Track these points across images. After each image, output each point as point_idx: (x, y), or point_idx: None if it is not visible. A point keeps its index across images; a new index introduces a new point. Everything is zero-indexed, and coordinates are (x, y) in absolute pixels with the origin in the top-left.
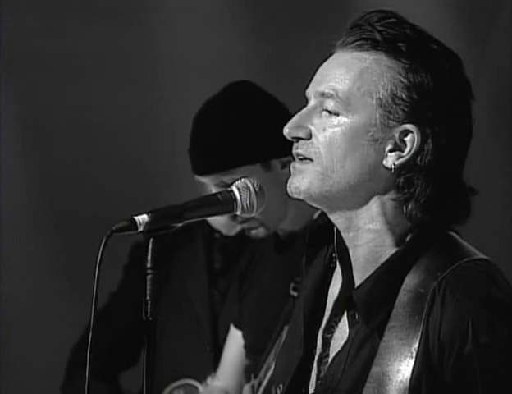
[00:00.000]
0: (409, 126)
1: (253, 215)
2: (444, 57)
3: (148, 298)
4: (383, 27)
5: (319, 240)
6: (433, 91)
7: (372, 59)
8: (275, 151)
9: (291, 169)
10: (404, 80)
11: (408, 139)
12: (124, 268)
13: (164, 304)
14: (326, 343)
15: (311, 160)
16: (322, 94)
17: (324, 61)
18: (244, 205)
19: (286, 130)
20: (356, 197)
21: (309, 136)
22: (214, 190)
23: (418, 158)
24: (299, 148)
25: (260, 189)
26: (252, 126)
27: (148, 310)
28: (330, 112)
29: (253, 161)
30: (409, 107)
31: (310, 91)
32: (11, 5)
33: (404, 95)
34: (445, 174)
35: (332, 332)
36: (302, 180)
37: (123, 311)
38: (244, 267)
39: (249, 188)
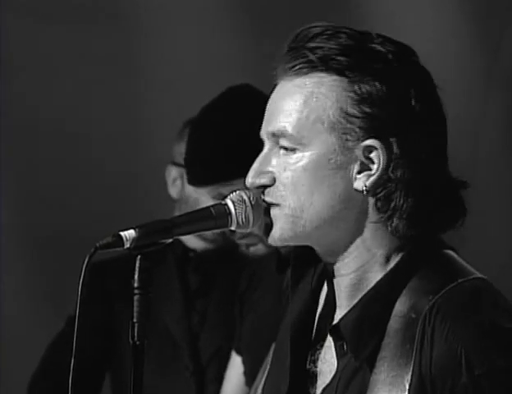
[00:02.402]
0: (369, 142)
1: (248, 231)
2: (390, 56)
3: (135, 320)
4: (316, 44)
5: (304, 262)
6: (386, 97)
7: (314, 82)
8: None
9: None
10: (352, 95)
11: (373, 155)
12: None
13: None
14: (312, 375)
15: (278, 205)
16: (274, 135)
17: (270, 95)
18: (240, 220)
19: (249, 181)
20: (334, 229)
21: (273, 181)
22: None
23: (390, 172)
24: (266, 197)
25: (256, 202)
26: (254, 134)
27: (136, 333)
28: (286, 149)
29: None
30: (365, 122)
31: (263, 132)
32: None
33: (355, 111)
34: (427, 177)
35: (316, 363)
36: (274, 228)
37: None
38: (244, 288)
39: (244, 201)
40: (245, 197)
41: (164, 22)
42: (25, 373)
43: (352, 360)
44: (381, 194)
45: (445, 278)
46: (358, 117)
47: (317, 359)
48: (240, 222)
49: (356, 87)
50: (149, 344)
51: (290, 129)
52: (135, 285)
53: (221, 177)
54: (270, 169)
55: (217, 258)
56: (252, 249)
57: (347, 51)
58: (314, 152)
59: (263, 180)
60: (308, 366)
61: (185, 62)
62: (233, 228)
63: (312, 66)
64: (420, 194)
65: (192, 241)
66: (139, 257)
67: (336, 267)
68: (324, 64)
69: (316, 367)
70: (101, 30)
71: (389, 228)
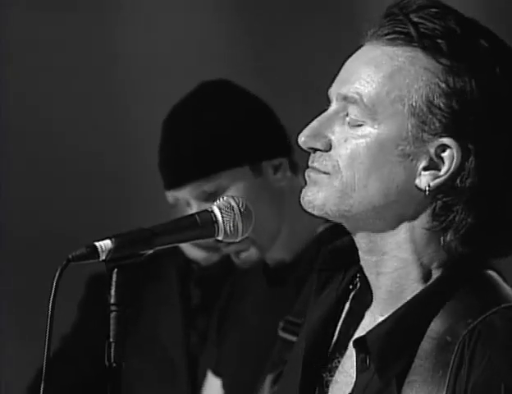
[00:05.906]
0: (447, 141)
1: (237, 240)
2: (496, 58)
3: (111, 340)
4: (421, 19)
5: (334, 265)
6: (478, 99)
7: (406, 57)
8: (264, 151)
9: (306, 177)
10: (443, 85)
11: (446, 155)
12: (79, 305)
13: (132, 350)
14: (325, 386)
15: (328, 173)
16: (345, 98)
17: (351, 54)
18: (228, 228)
19: (302, 139)
20: (381, 220)
21: (329, 147)
22: (195, 205)
23: (458, 180)
24: (315, 162)
25: (246, 209)
26: (234, 124)
27: (112, 354)
28: (354, 120)
29: (239, 163)
30: (448, 118)
31: (333, 91)
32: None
33: (441, 103)
34: (491, 198)
35: (332, 372)
36: (317, 194)
37: (77, 357)
38: (224, 303)
39: (232, 208)
40: (234, 203)
41: (160, 20)
42: (22, 374)
43: (376, 378)
44: (442, 200)
45: (487, 302)
46: (442, 110)
47: (335, 367)
48: (228, 231)
49: (450, 79)
50: (146, 366)
51: (366, 99)
52: (112, 301)
53: (203, 171)
54: (329, 134)
55: (220, 273)
56: (244, 255)
57: (452, 36)
58: (384, 132)
59: (318, 145)
60: (325, 376)
61: (175, 59)
62: (220, 238)
63: (409, 40)
64: (483, 213)
65: (192, 251)
66: (115, 270)
67: (374, 261)
68: (423, 42)
69: (331, 376)
70: (102, 30)
71: (441, 241)
